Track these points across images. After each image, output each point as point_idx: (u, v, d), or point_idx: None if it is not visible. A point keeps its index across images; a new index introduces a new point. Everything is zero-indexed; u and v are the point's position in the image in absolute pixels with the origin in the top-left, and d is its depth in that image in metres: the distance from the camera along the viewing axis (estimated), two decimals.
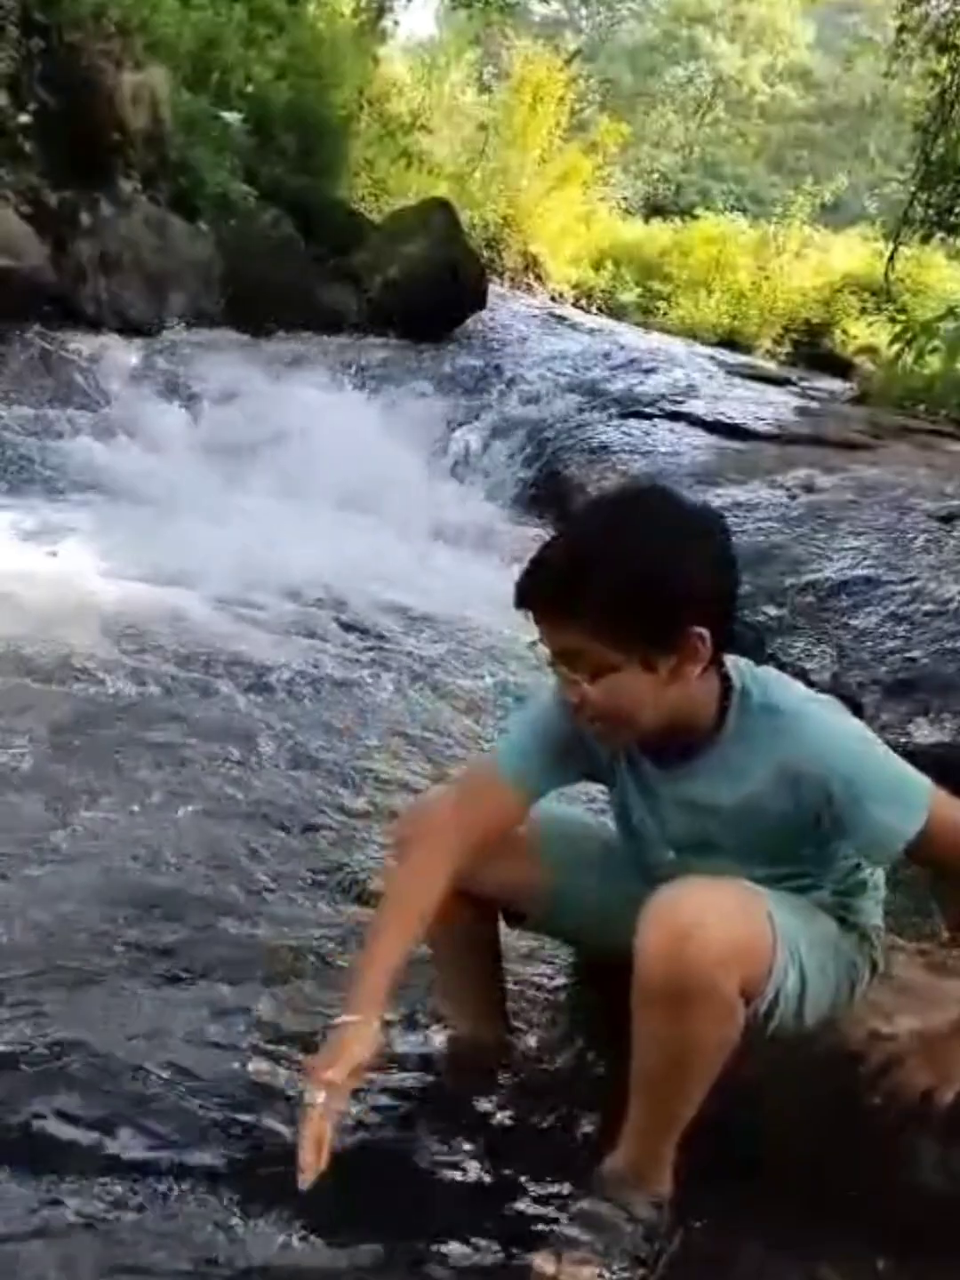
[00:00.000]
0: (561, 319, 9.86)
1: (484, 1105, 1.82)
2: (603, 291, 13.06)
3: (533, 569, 1.51)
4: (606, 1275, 1.47)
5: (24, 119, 6.55)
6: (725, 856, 1.59)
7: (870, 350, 11.77)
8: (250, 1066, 1.82)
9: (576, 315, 10.78)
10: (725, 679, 1.56)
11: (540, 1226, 1.56)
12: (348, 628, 3.99)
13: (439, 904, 1.61)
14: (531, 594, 1.50)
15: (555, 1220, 1.55)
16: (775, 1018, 1.54)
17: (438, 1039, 1.93)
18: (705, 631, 1.46)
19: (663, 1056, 1.46)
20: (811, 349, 12.34)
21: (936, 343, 7.28)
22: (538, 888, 1.78)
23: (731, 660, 1.57)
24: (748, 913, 1.49)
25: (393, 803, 2.78)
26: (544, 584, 1.50)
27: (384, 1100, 1.80)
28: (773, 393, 7.74)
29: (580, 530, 1.54)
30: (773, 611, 4.20)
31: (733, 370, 8.57)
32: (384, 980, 1.55)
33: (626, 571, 1.44)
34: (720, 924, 1.43)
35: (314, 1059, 1.50)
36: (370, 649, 3.86)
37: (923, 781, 1.54)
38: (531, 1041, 1.98)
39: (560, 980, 2.14)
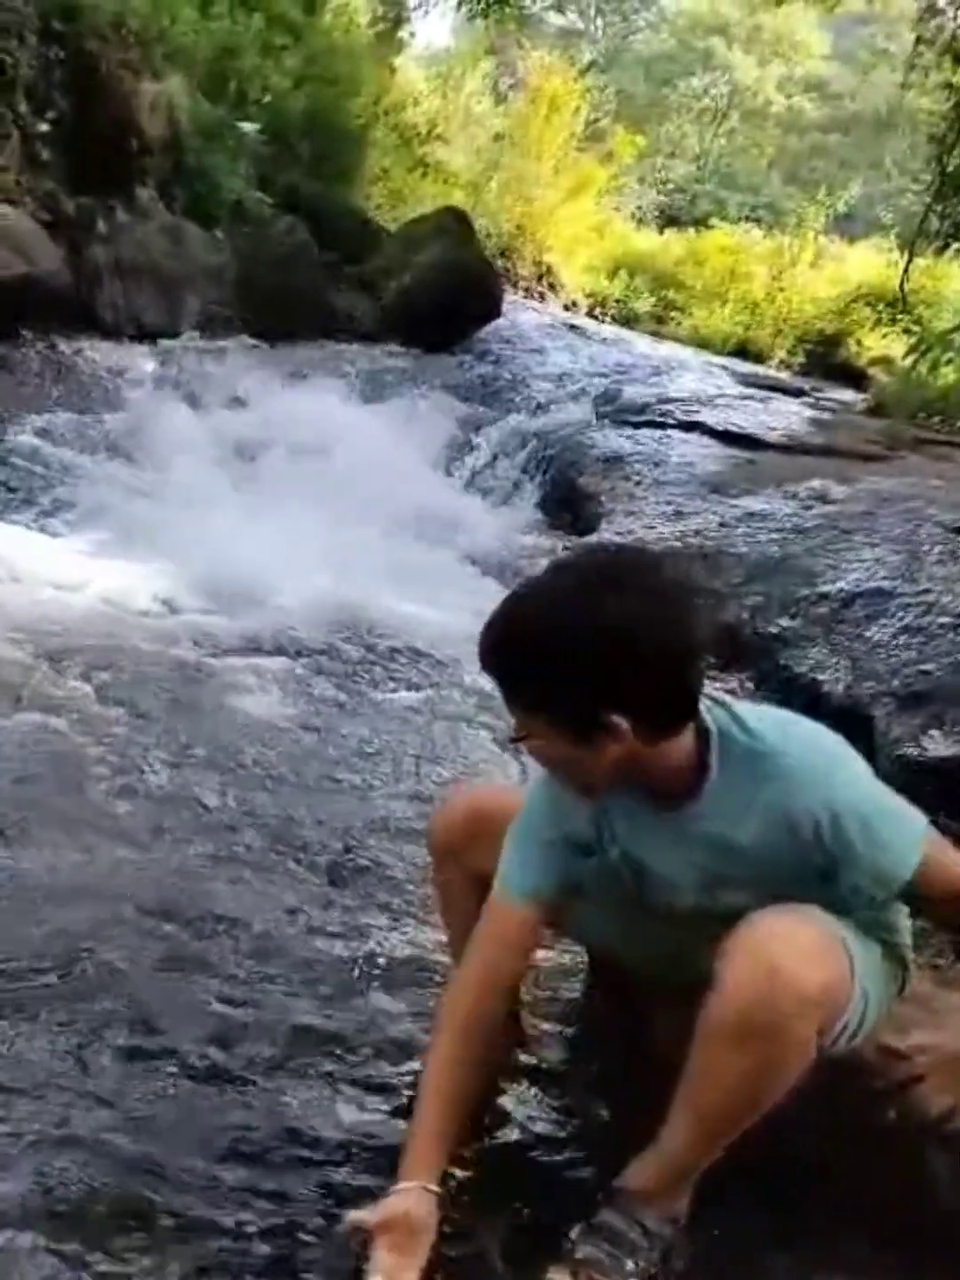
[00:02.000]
0: (575, 328, 9.87)
1: (491, 1107, 1.81)
2: (616, 301, 13.07)
3: (483, 632, 1.52)
4: None
5: (42, 126, 6.58)
6: (743, 892, 1.55)
7: (885, 361, 11.74)
8: (250, 1084, 1.82)
9: (590, 324, 10.78)
10: (701, 727, 1.53)
11: (551, 1232, 1.55)
12: (357, 639, 3.98)
13: (480, 1070, 1.60)
14: (480, 655, 1.53)
15: (565, 1227, 1.54)
16: (838, 1044, 1.53)
17: None
18: (624, 722, 1.44)
19: (723, 1092, 1.44)
20: (826, 359, 12.32)
21: (951, 354, 7.28)
22: None
23: (708, 703, 1.54)
24: (834, 951, 1.47)
25: (399, 817, 2.78)
26: (484, 651, 1.52)
27: (387, 1101, 1.80)
28: (786, 403, 7.74)
29: (524, 604, 1.51)
30: (786, 622, 4.19)
31: (746, 380, 8.57)
32: (435, 1146, 1.53)
33: (549, 663, 1.44)
34: (810, 965, 1.42)
35: (364, 1216, 1.47)
36: (379, 660, 3.85)
37: (917, 819, 1.54)
38: (542, 1041, 1.97)
39: (575, 983, 2.13)
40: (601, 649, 1.42)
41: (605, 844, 1.64)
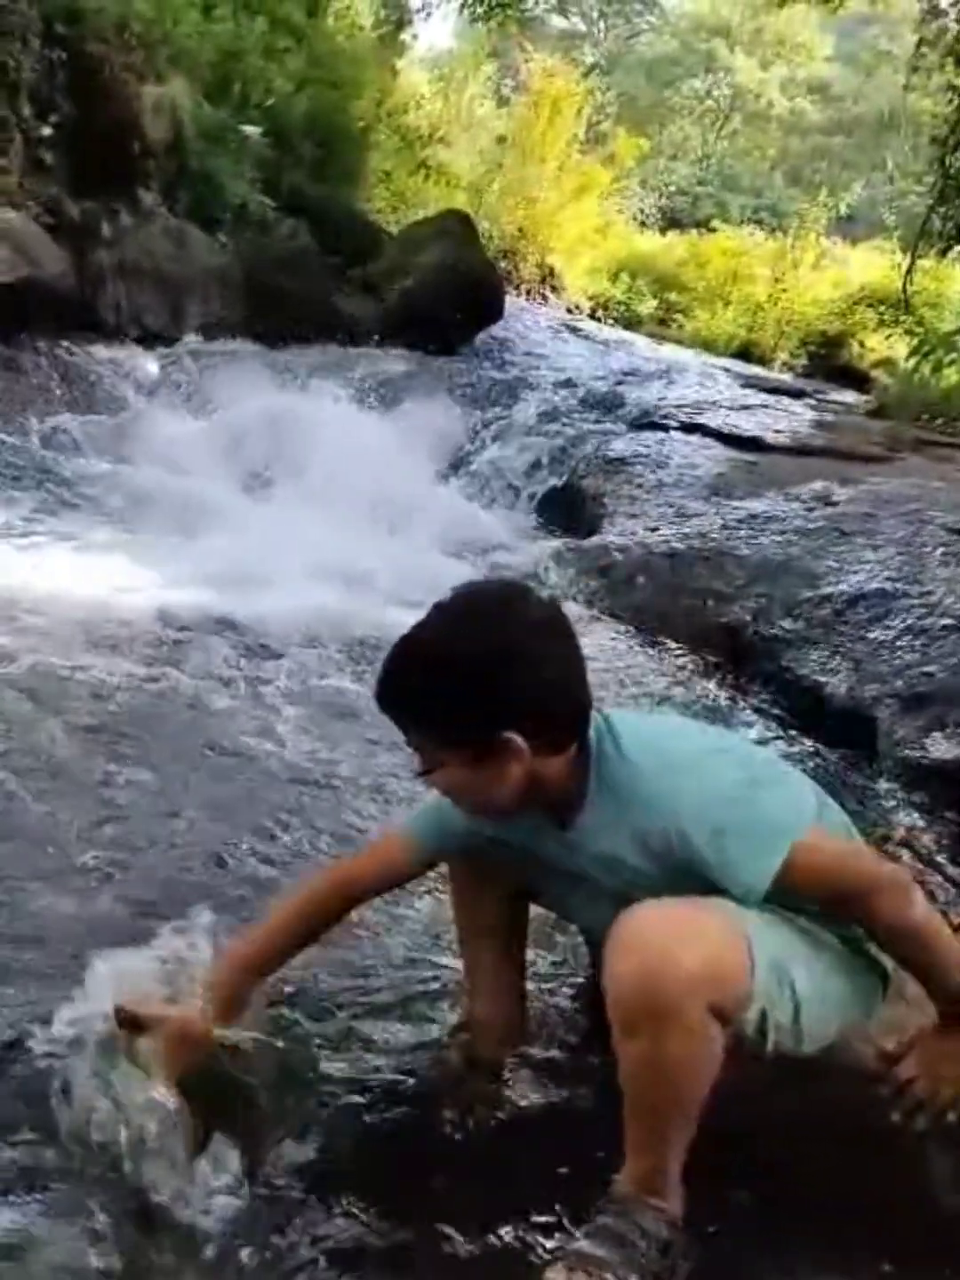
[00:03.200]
0: (577, 330, 9.88)
1: (493, 1106, 1.80)
2: (618, 303, 13.07)
3: (380, 675, 1.61)
4: None
5: (45, 130, 6.59)
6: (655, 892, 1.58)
7: (887, 363, 11.75)
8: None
9: (592, 327, 10.79)
10: (584, 751, 1.60)
11: (550, 1232, 1.55)
12: (358, 642, 3.98)
13: (299, 933, 1.74)
14: (378, 698, 1.62)
15: (564, 1227, 1.55)
16: (769, 1037, 1.53)
17: (450, 1018, 1.95)
18: (519, 739, 1.53)
19: (642, 1080, 1.47)
20: (828, 361, 12.32)
21: (954, 355, 7.28)
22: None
23: (596, 719, 1.61)
24: (716, 933, 1.48)
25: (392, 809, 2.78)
26: (382, 693, 1.61)
27: (388, 1087, 1.80)
28: (789, 405, 7.74)
29: (413, 642, 1.60)
30: (789, 624, 4.19)
31: (749, 382, 8.57)
32: (238, 980, 1.68)
33: (443, 688, 1.54)
34: (688, 948, 1.43)
35: (138, 1009, 1.58)
36: (372, 656, 3.85)
37: (783, 826, 1.53)
38: (545, 1039, 1.96)
39: (577, 981, 2.13)
40: (490, 670, 1.52)
41: (529, 844, 1.71)
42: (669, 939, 1.44)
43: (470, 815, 1.68)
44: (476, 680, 1.52)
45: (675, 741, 1.66)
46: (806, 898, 1.57)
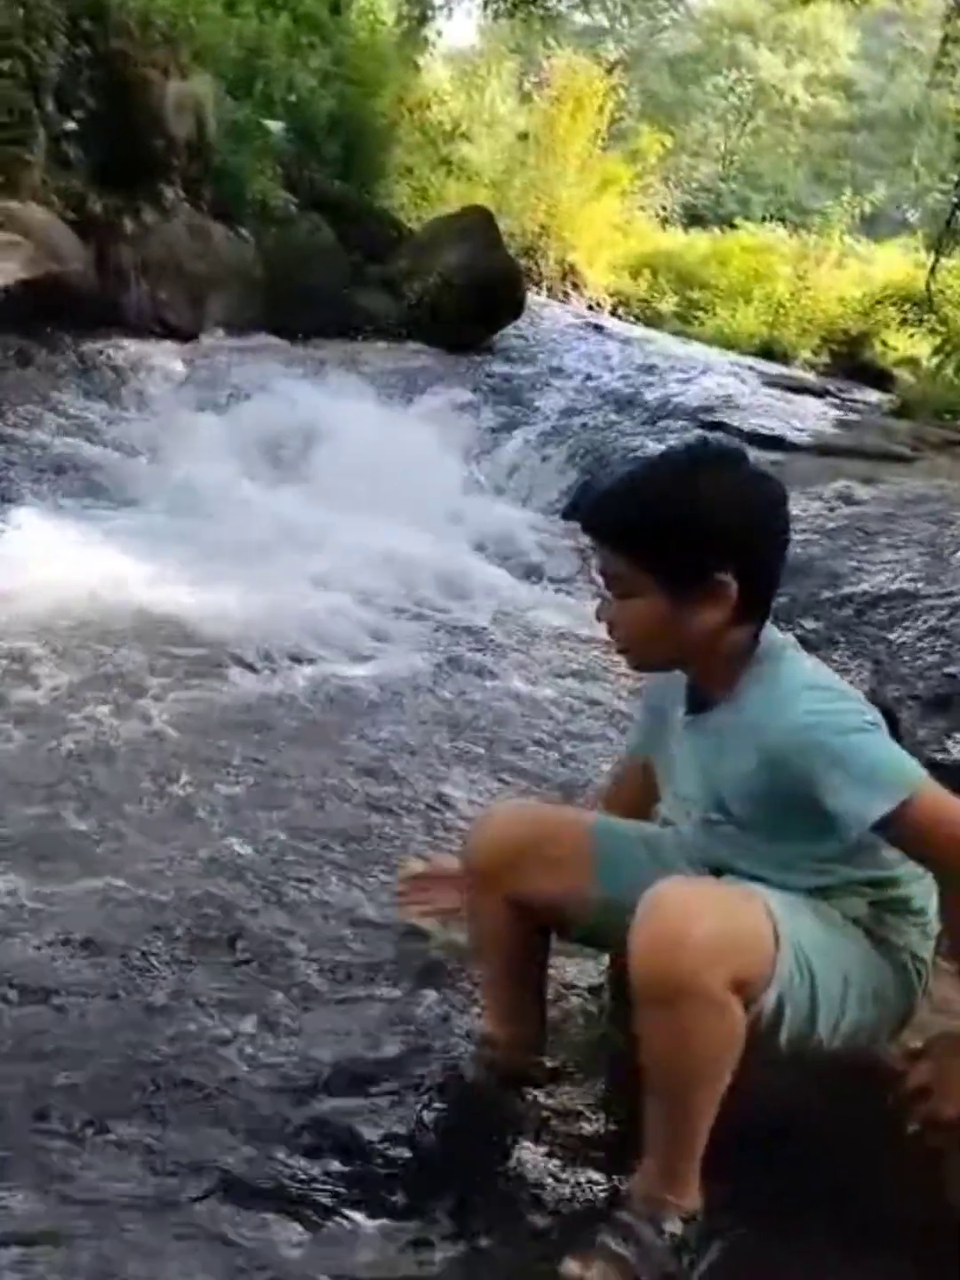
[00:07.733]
0: (599, 327, 9.83)
1: (512, 1112, 1.81)
2: (640, 300, 13.02)
3: (601, 495, 1.67)
4: None
5: (69, 125, 6.60)
6: (732, 825, 1.62)
7: (910, 362, 11.66)
8: (277, 1073, 1.83)
9: (613, 324, 10.74)
10: (756, 644, 1.61)
11: (567, 1231, 1.55)
12: (379, 639, 3.98)
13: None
14: (588, 508, 1.68)
15: (582, 1226, 1.54)
16: (783, 1027, 1.51)
17: (470, 1040, 1.93)
18: (731, 580, 1.53)
19: (661, 1061, 1.46)
20: (851, 360, 12.23)
21: None
22: (585, 890, 1.77)
23: (772, 634, 1.63)
24: (739, 910, 1.49)
25: (426, 815, 2.78)
26: (600, 500, 1.66)
27: (411, 1100, 1.80)
28: (811, 404, 7.70)
29: (647, 465, 1.66)
30: (810, 624, 4.18)
31: (771, 380, 8.52)
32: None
33: (670, 503, 1.55)
34: (707, 921, 1.43)
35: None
36: (410, 655, 3.85)
37: (905, 772, 1.49)
38: (562, 1045, 1.96)
39: (595, 990, 2.13)
40: (728, 508, 1.54)
41: (661, 739, 1.77)
42: (693, 909, 1.45)
43: (619, 654, 1.70)
44: (713, 514, 1.54)
45: (823, 674, 1.66)
46: (918, 851, 1.54)
